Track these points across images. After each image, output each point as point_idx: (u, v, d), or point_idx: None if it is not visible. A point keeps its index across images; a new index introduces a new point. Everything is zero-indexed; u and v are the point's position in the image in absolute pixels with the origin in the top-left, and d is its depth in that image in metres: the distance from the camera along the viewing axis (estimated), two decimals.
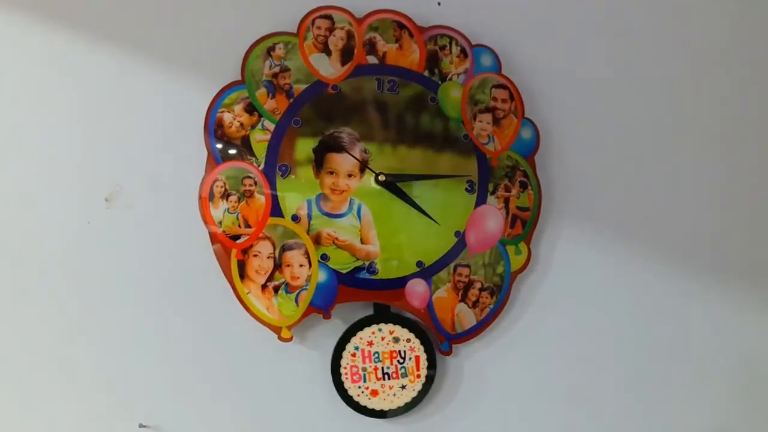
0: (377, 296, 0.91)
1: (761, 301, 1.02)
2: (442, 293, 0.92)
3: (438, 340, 0.93)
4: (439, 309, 0.92)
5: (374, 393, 0.91)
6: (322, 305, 0.90)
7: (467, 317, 0.93)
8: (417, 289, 0.91)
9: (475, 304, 0.93)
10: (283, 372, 0.92)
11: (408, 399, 0.92)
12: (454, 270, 0.92)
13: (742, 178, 1.02)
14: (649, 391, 1.00)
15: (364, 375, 0.91)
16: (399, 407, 0.92)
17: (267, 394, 0.93)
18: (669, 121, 1.00)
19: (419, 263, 0.91)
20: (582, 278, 0.98)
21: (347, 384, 0.91)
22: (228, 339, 0.91)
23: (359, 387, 0.91)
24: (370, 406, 0.91)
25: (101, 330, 0.90)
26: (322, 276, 0.89)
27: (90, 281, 0.89)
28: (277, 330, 0.89)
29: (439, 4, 0.96)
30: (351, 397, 0.91)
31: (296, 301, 0.89)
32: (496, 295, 0.94)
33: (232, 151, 0.89)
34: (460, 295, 0.93)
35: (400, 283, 0.91)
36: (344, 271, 0.90)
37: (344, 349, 0.91)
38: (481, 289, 0.93)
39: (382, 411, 0.92)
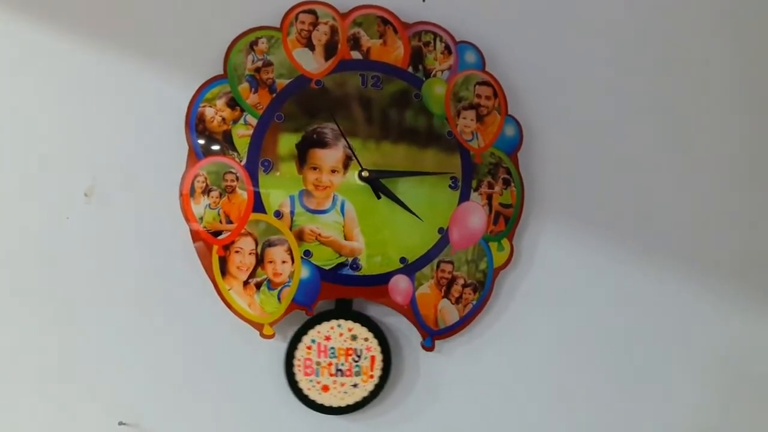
0: (360, 292, 0.91)
1: (744, 296, 1.03)
2: (426, 289, 0.92)
3: (422, 335, 0.94)
4: (422, 305, 0.92)
5: (325, 388, 0.91)
6: (304, 302, 0.89)
7: (450, 313, 0.93)
8: (400, 285, 0.91)
9: (458, 300, 0.94)
10: (264, 368, 0.92)
11: (358, 398, 0.91)
12: (438, 266, 0.92)
13: (723, 174, 1.03)
14: (632, 387, 1.01)
15: (318, 369, 0.90)
16: (348, 405, 0.91)
17: (247, 391, 0.92)
18: (650, 118, 1.01)
19: (403, 259, 0.91)
20: (564, 274, 0.99)
21: (299, 376, 0.90)
22: (209, 336, 0.90)
23: (311, 381, 0.90)
24: (319, 401, 0.90)
25: (80, 327, 0.88)
26: (304, 272, 0.89)
27: (69, 277, 0.88)
28: (259, 327, 0.89)
29: (423, 0, 0.96)
30: (301, 390, 0.90)
31: (279, 298, 0.89)
32: (479, 291, 0.94)
33: (214, 146, 0.88)
34: (443, 291, 0.93)
35: (384, 279, 0.91)
36: (327, 268, 0.89)
37: (300, 341, 0.90)
38: (464, 285, 0.93)
39: (331, 407, 0.91)
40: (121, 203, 0.88)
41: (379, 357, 0.91)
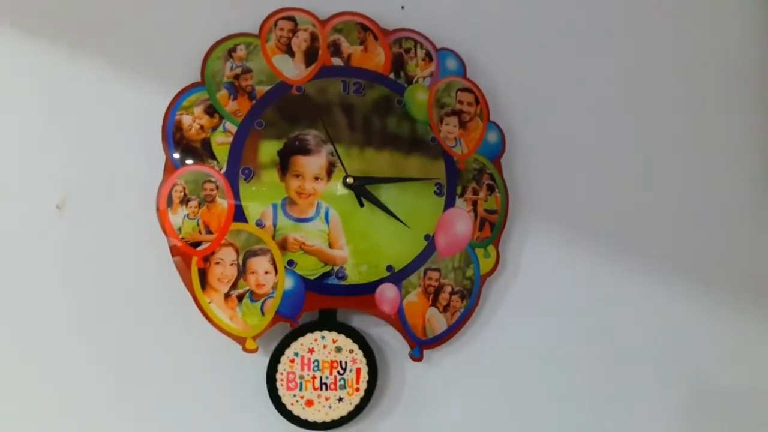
0: (347, 302, 0.88)
1: (730, 303, 1.04)
2: (413, 298, 0.90)
3: (410, 345, 0.91)
4: (409, 314, 0.90)
5: (309, 403, 0.87)
6: (289, 313, 0.86)
7: (438, 322, 0.91)
8: (387, 294, 0.89)
9: (445, 309, 0.92)
10: (248, 384, 0.88)
11: (344, 412, 0.88)
12: (425, 274, 0.91)
13: (711, 178, 1.04)
14: (619, 393, 1.00)
15: (301, 383, 0.87)
16: (333, 420, 0.88)
17: (229, 407, 0.88)
18: (632, 123, 1.02)
19: (389, 268, 0.89)
20: (550, 279, 0.98)
21: (282, 391, 0.87)
22: (189, 352, 0.87)
23: (294, 395, 0.87)
24: (303, 417, 0.87)
25: (54, 347, 0.83)
26: (288, 283, 0.86)
27: (40, 295, 0.83)
28: (241, 341, 0.85)
29: (402, 8, 0.96)
30: (284, 405, 0.87)
31: (262, 310, 0.85)
32: (466, 298, 0.93)
33: (192, 155, 0.85)
34: (430, 299, 0.91)
35: (370, 288, 0.88)
36: (312, 277, 0.86)
37: (283, 354, 0.87)
38: (452, 293, 0.92)
39: (315, 423, 0.87)
40: (95, 215, 0.84)
41: (365, 369, 0.88)
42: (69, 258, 0.84)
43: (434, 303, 0.91)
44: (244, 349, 0.85)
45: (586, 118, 1.01)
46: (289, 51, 0.89)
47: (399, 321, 0.90)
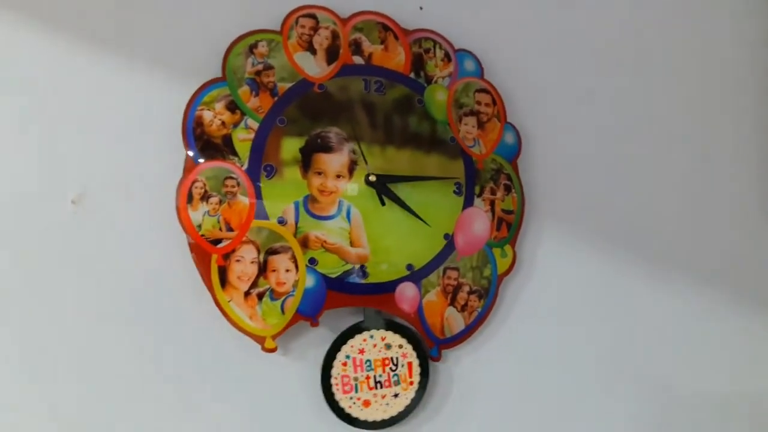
0: (367, 301, 0.88)
1: (740, 303, 1.06)
2: (432, 297, 0.90)
3: (428, 345, 0.91)
4: (428, 313, 0.90)
5: (366, 403, 0.87)
6: (309, 312, 0.85)
7: (456, 321, 0.92)
8: (407, 293, 0.89)
9: (463, 308, 0.92)
10: (268, 385, 0.87)
11: (401, 408, 0.88)
12: (444, 273, 0.91)
13: (727, 179, 1.06)
14: (635, 390, 1.01)
15: (356, 385, 0.87)
16: (392, 417, 0.88)
17: (251, 410, 0.87)
18: (647, 125, 1.04)
19: (409, 266, 0.89)
20: (565, 279, 0.99)
21: (338, 395, 0.86)
22: (207, 351, 0.85)
23: (351, 398, 0.87)
24: (362, 417, 0.87)
25: (70, 345, 0.81)
26: (309, 281, 0.85)
27: (55, 291, 0.81)
28: (260, 340, 0.84)
29: (421, 8, 0.96)
30: (342, 408, 0.87)
31: (282, 309, 0.85)
32: (483, 298, 0.93)
33: (213, 151, 0.84)
34: (449, 298, 0.91)
35: (390, 287, 0.88)
36: (333, 276, 0.86)
37: (335, 358, 0.87)
38: (470, 292, 0.92)
39: (375, 422, 0.88)
40: (112, 211, 0.83)
41: (416, 362, 0.89)
42: (87, 256, 0.82)
43: (452, 302, 0.91)
44: (263, 349, 0.84)
45: (601, 121, 1.02)
46: (311, 48, 0.89)
47: (418, 320, 0.90)
